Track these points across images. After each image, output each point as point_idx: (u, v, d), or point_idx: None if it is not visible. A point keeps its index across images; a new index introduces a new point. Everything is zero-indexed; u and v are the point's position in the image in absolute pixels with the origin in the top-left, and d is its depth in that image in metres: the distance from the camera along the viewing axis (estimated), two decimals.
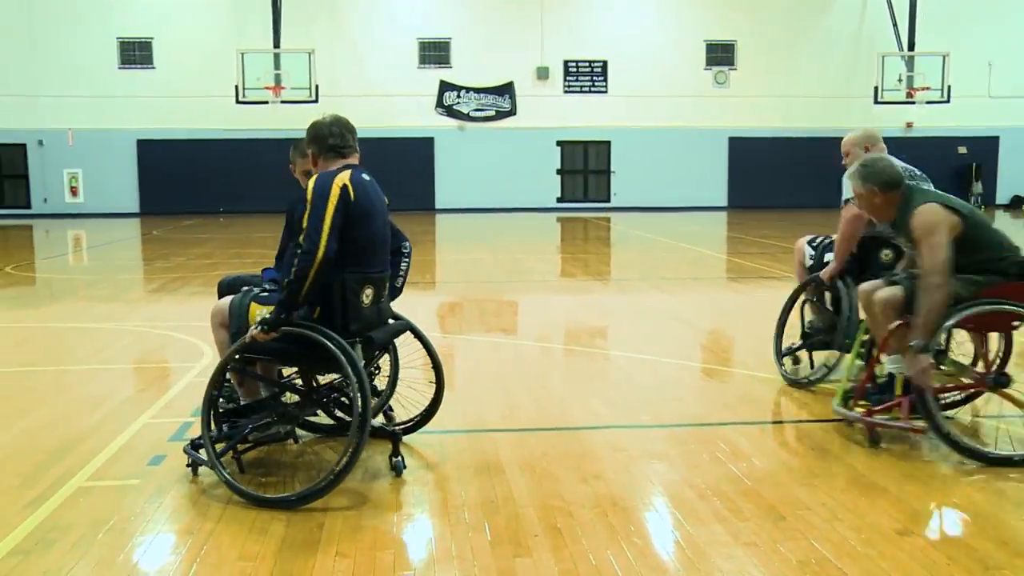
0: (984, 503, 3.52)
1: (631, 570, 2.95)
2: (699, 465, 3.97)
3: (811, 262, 5.61)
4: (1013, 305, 4.11)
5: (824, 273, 5.27)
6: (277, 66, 23.50)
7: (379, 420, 4.28)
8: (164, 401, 5.12)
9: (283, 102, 23.40)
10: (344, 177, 3.70)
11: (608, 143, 26.87)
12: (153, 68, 25.43)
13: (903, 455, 4.14)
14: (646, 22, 26.53)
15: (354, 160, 3.92)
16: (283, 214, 4.49)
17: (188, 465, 3.83)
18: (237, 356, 3.74)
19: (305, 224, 3.59)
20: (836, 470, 3.90)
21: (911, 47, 25.30)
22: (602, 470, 3.92)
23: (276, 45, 23.83)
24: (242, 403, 3.95)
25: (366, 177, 3.87)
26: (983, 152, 27.42)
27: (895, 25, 25.30)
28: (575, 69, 26.66)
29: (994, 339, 4.45)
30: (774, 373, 5.57)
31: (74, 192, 25.74)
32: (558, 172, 26.92)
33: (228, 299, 3.92)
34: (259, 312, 3.71)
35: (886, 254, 5.18)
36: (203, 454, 3.73)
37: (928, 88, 24.69)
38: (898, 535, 3.21)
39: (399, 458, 3.87)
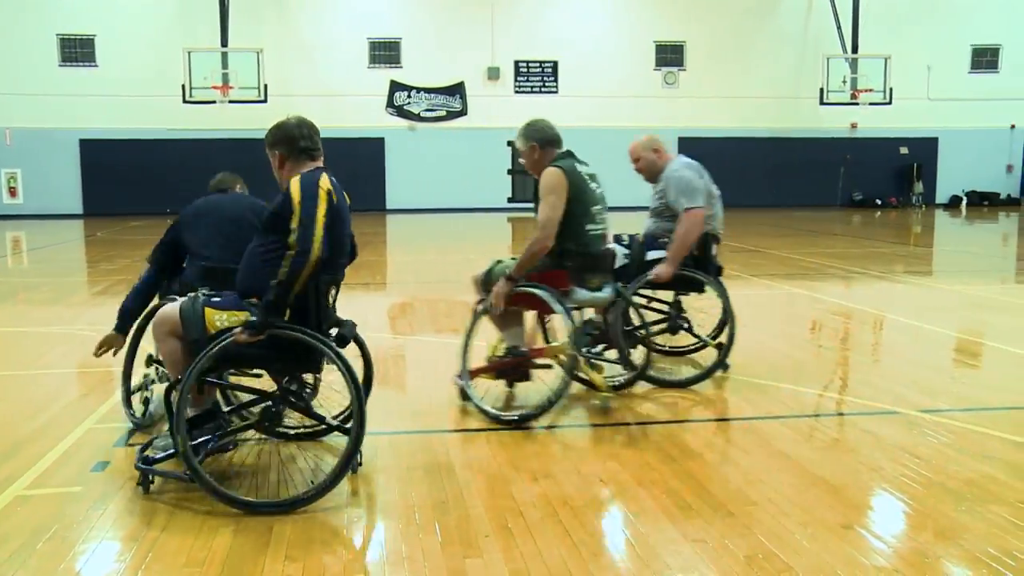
0: (925, 496, 3.60)
1: (582, 569, 2.97)
2: (649, 463, 4.00)
3: (626, 260, 5.51)
4: (532, 286, 4.60)
5: (659, 271, 5.32)
6: (225, 65, 23.19)
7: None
8: (108, 406, 5.02)
9: (231, 102, 23.10)
10: (326, 180, 3.71)
11: None
12: (96, 66, 24.89)
13: (847, 450, 4.22)
14: (596, 23, 26.67)
15: (321, 162, 3.91)
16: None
17: (140, 483, 3.69)
18: (211, 361, 3.61)
19: (295, 225, 3.54)
20: (783, 466, 3.96)
21: (855, 49, 25.79)
22: (553, 470, 3.93)
23: (224, 44, 23.51)
24: (192, 413, 3.84)
25: (335, 180, 3.87)
26: (923, 153, 28.03)
27: (839, 27, 25.77)
28: (526, 69, 26.70)
29: None
30: (723, 371, 5.62)
31: (12, 193, 25.08)
32: (509, 172, 26.93)
33: (174, 306, 3.80)
34: (219, 317, 3.62)
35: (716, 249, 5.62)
36: (163, 467, 3.68)
37: (871, 90, 25.20)
38: (843, 528, 3.28)
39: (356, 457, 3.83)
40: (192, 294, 3.86)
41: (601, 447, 4.29)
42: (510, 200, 26.72)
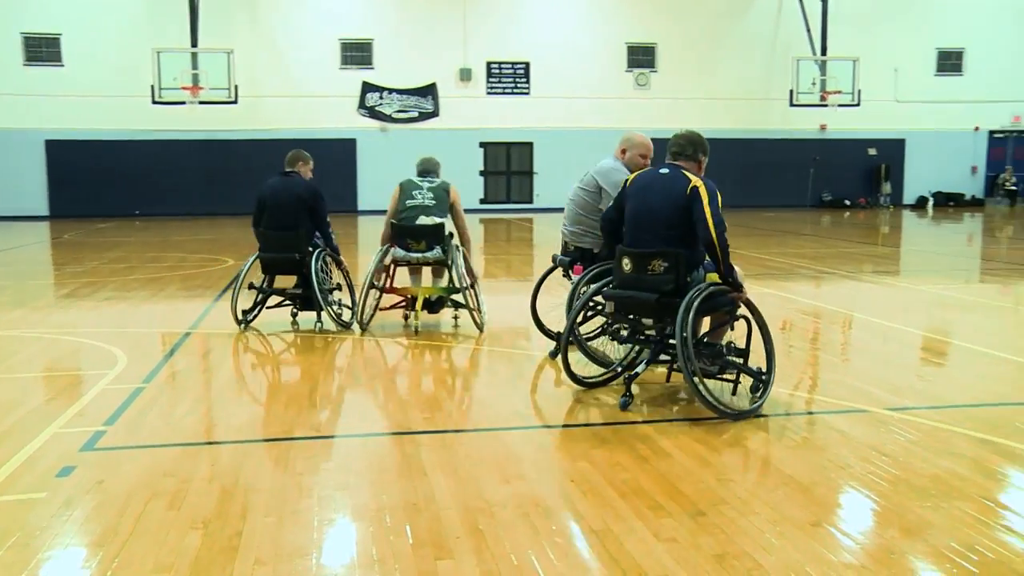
0: (891, 493, 3.64)
1: (552, 569, 2.97)
2: (620, 463, 4.01)
3: None
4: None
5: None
6: (195, 66, 22.99)
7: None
8: (75, 410, 4.95)
9: (201, 103, 22.90)
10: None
11: (531, 144, 27.00)
12: (62, 66, 24.59)
13: (817, 449, 4.25)
14: (568, 24, 26.74)
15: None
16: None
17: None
18: None
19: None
20: (752, 465, 3.99)
21: (823, 51, 26.05)
22: (524, 470, 3.93)
23: (194, 44, 23.30)
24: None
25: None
26: (891, 154, 28.39)
27: (808, 30, 26.01)
28: (498, 70, 26.71)
29: None
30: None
31: None
32: (481, 173, 26.94)
33: None
34: None
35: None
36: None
37: (840, 92, 25.48)
38: (811, 526, 3.30)
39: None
40: None
41: (572, 448, 4.29)
42: (482, 201, 26.73)
